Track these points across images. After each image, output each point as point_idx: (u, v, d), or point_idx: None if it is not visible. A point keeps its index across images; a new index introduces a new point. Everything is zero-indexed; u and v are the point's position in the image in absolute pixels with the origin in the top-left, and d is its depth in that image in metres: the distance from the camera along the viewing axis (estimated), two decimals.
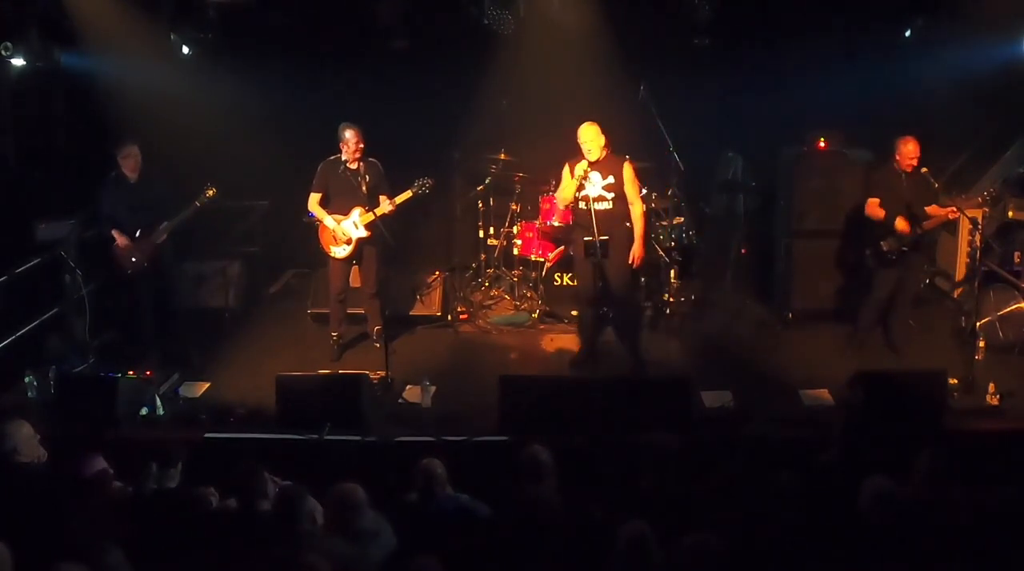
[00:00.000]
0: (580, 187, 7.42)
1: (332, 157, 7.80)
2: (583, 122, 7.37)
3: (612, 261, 7.43)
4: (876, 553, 4.24)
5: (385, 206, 7.75)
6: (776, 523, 4.39)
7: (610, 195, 7.43)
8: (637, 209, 7.54)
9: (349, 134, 7.67)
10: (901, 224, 7.43)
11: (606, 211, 7.42)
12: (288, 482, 4.93)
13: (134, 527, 4.63)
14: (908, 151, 7.45)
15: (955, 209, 7.46)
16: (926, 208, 7.48)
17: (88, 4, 8.30)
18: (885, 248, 7.51)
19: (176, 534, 4.57)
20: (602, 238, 7.28)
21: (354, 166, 7.75)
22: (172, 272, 8.24)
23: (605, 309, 7.91)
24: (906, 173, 7.48)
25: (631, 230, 7.51)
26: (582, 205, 7.47)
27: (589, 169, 7.36)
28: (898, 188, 7.52)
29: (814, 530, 4.37)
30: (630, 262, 7.53)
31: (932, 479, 4.76)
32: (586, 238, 7.28)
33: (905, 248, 7.49)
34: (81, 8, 8.31)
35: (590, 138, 7.35)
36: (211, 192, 7.85)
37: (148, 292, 7.98)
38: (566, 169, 7.53)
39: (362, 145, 7.69)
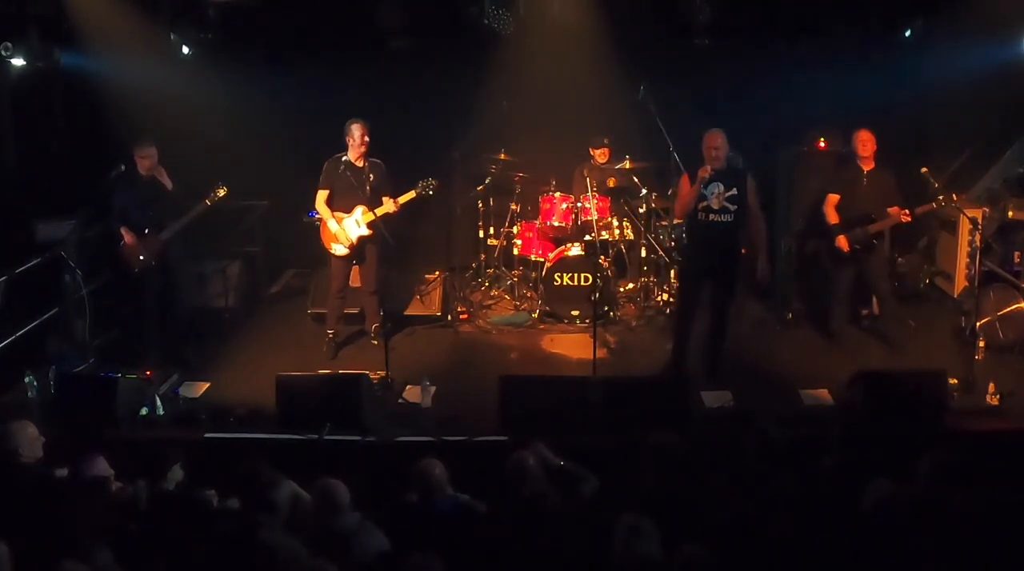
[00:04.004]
0: (696, 195, 7.04)
1: (336, 155, 7.82)
2: (711, 129, 7.09)
3: (730, 280, 7.33)
4: (878, 553, 4.24)
5: (388, 206, 7.77)
6: (776, 524, 4.39)
7: (733, 207, 7.10)
8: (761, 222, 7.29)
9: (355, 129, 7.70)
10: (842, 242, 7.56)
11: (727, 224, 7.15)
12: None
13: (144, 527, 4.64)
14: (861, 139, 7.53)
15: (907, 212, 7.45)
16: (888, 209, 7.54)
17: (88, 4, 8.30)
18: (837, 245, 7.61)
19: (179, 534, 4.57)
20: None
21: (359, 164, 7.77)
22: (179, 270, 8.15)
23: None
24: (867, 171, 7.57)
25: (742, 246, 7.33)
26: (700, 216, 7.15)
27: (707, 177, 7.00)
28: (858, 186, 7.64)
29: (815, 530, 4.37)
30: (758, 277, 7.42)
31: (935, 480, 4.76)
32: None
33: (858, 245, 7.59)
34: (81, 8, 8.31)
35: (720, 144, 7.02)
36: (222, 191, 7.82)
37: (153, 290, 7.95)
38: (685, 177, 7.25)
39: (367, 139, 7.70)
